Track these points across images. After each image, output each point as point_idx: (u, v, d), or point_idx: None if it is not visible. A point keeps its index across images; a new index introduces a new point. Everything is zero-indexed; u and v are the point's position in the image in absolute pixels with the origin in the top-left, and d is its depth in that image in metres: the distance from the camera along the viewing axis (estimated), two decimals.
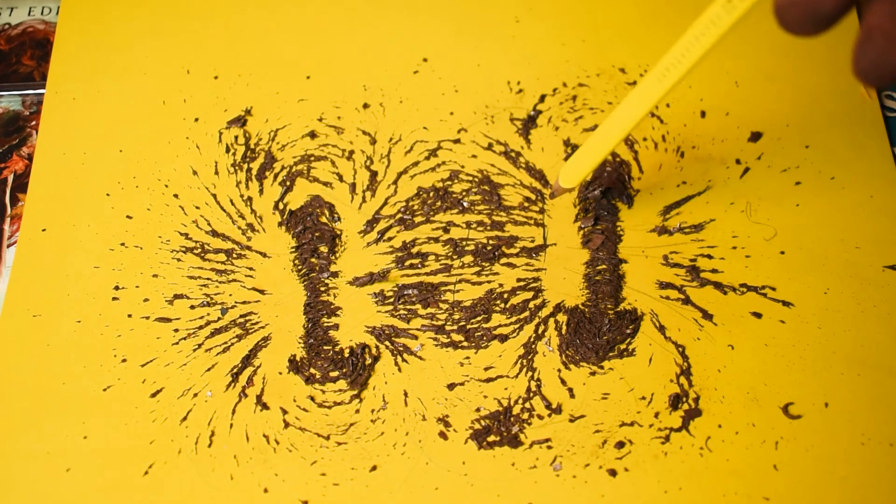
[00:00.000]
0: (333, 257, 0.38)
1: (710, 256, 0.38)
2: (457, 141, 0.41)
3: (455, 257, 0.38)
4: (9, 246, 0.40)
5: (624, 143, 0.41)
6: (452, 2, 0.44)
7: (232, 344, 0.37)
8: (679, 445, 0.34)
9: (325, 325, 0.37)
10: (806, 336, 0.36)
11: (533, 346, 0.36)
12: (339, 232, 0.39)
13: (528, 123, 0.41)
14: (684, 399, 0.35)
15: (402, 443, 0.35)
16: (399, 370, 0.36)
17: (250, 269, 0.38)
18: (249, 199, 0.40)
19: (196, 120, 0.41)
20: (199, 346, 0.36)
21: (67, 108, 0.42)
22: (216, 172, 0.40)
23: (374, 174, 0.40)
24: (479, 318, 0.37)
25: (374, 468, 0.34)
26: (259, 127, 0.41)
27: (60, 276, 0.38)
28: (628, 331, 0.36)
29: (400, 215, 0.39)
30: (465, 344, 0.37)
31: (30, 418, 0.35)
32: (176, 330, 0.37)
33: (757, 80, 0.42)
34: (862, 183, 0.39)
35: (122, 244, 0.39)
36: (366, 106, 0.42)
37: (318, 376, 0.36)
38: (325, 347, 0.37)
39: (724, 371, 0.36)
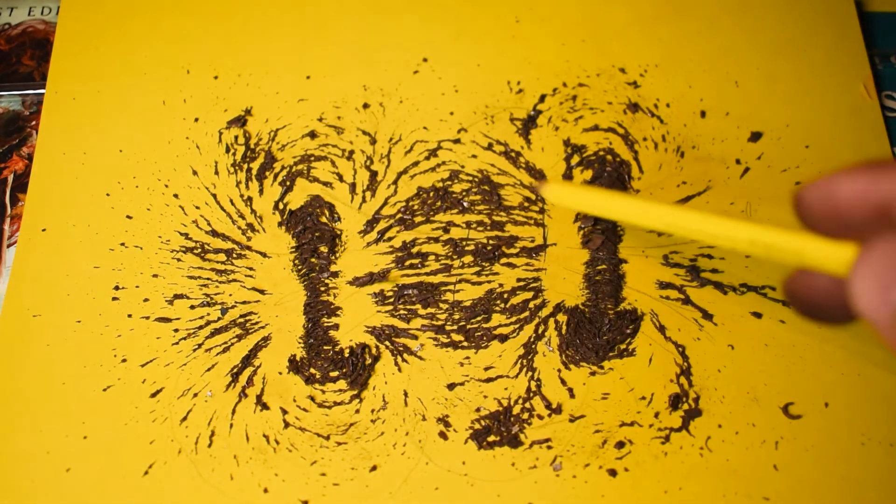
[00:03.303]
0: (333, 257, 0.38)
1: (710, 256, 0.38)
2: (457, 141, 0.41)
3: (455, 257, 0.38)
4: (9, 246, 0.40)
5: (624, 143, 0.41)
6: (452, 2, 0.44)
7: (232, 344, 0.37)
8: (679, 445, 0.34)
9: (325, 325, 0.37)
10: (806, 336, 0.36)
11: (533, 346, 0.36)
12: (339, 232, 0.39)
13: (528, 123, 0.41)
14: (684, 399, 0.35)
15: (402, 443, 0.35)
16: (399, 370, 0.36)
17: (250, 269, 0.38)
18: (249, 199, 0.40)
19: (196, 120, 0.41)
20: (199, 346, 0.36)
21: (67, 108, 0.42)
22: (216, 172, 0.40)
23: (374, 174, 0.40)
24: (479, 318, 0.37)
25: (374, 468, 0.34)
26: (259, 127, 0.41)
27: (60, 276, 0.38)
28: (628, 331, 0.36)
29: (400, 215, 0.39)
30: (465, 344, 0.37)
31: (30, 418, 0.35)
32: (176, 330, 0.37)
33: (757, 80, 0.42)
34: None
35: (122, 244, 0.39)
36: (366, 106, 0.42)
37: (318, 376, 0.36)
38: (325, 347, 0.37)
39: (724, 371, 0.36)
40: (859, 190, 0.20)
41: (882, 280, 0.18)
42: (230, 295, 0.38)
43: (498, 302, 0.37)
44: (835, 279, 0.21)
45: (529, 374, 0.36)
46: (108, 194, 0.40)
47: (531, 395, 0.35)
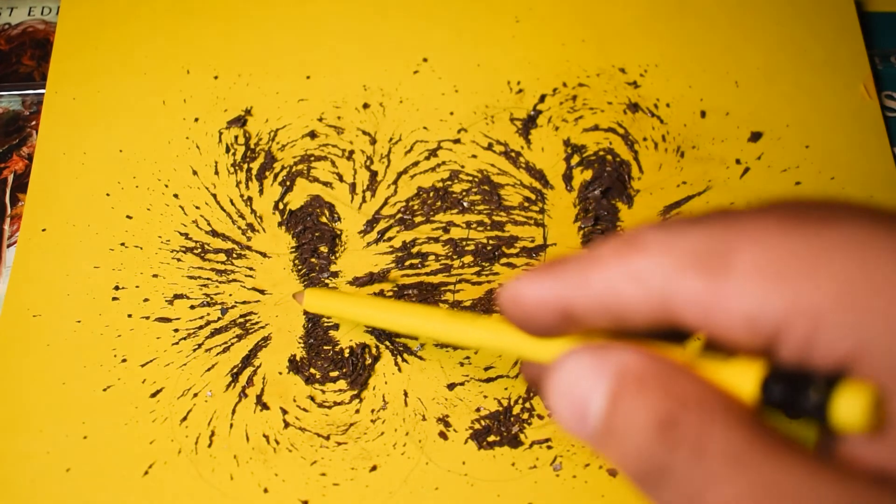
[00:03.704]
0: (333, 257, 0.38)
1: None
2: (457, 141, 0.41)
3: (455, 257, 0.38)
4: (9, 246, 0.40)
5: (624, 143, 0.41)
6: (452, 2, 0.44)
7: (232, 344, 0.37)
8: None
9: (325, 324, 0.37)
10: None
11: None
12: (339, 232, 0.39)
13: (528, 123, 0.41)
14: None
15: (402, 443, 0.35)
16: (399, 370, 0.36)
17: (250, 269, 0.38)
18: (249, 199, 0.40)
19: (196, 120, 0.41)
20: (199, 346, 0.36)
21: (67, 108, 0.42)
22: (216, 172, 0.40)
23: (374, 174, 0.40)
24: None
25: (374, 468, 0.34)
26: (259, 127, 0.41)
27: (60, 276, 0.38)
28: None
29: (400, 215, 0.39)
30: None
31: (30, 418, 0.35)
32: (176, 330, 0.37)
33: (757, 80, 0.42)
34: (862, 183, 0.39)
35: (122, 244, 0.39)
36: (366, 106, 0.42)
37: (318, 376, 0.36)
38: (325, 347, 0.36)
39: None
40: (540, 296, 0.19)
41: (572, 408, 0.18)
42: (230, 295, 0.38)
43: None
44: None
45: None
46: (108, 194, 0.40)
47: (531, 395, 0.35)
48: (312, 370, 0.36)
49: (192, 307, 0.37)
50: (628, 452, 0.17)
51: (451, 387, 0.36)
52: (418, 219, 0.39)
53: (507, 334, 0.23)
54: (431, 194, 0.40)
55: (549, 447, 0.34)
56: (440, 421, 0.35)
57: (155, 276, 0.38)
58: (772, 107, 0.41)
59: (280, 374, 0.36)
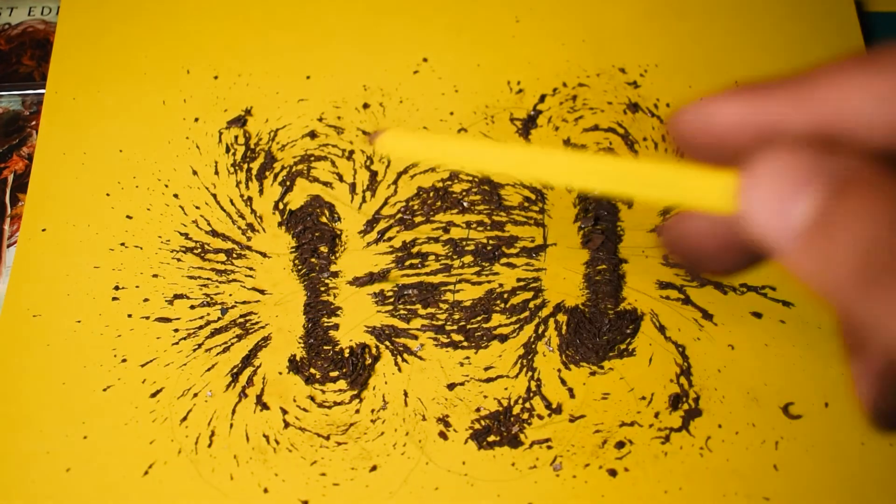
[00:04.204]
0: (333, 257, 0.38)
1: None
2: None
3: (455, 257, 0.38)
4: (9, 246, 0.40)
5: (624, 143, 0.41)
6: (452, 2, 0.44)
7: (232, 344, 0.37)
8: (679, 445, 0.34)
9: (325, 325, 0.37)
10: (806, 336, 0.36)
11: (533, 346, 0.36)
12: (339, 232, 0.39)
13: (528, 123, 0.41)
14: (684, 399, 0.35)
15: (402, 443, 0.35)
16: (399, 370, 0.36)
17: (250, 269, 0.38)
18: (249, 199, 0.40)
19: (196, 120, 0.41)
20: (199, 346, 0.36)
21: (67, 108, 0.42)
22: (216, 172, 0.40)
23: (374, 174, 0.40)
24: (479, 318, 0.37)
25: (374, 468, 0.34)
26: (259, 127, 0.41)
27: (60, 276, 0.38)
28: (628, 331, 0.36)
29: (400, 215, 0.39)
30: (465, 344, 0.37)
31: (30, 418, 0.35)
32: (176, 330, 0.37)
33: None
34: None
35: (122, 244, 0.39)
36: (366, 106, 0.42)
37: (318, 376, 0.36)
38: (325, 347, 0.37)
39: (724, 371, 0.36)
40: (740, 115, 0.18)
41: (778, 193, 0.16)
42: (230, 295, 0.38)
43: (498, 302, 0.37)
44: (714, 219, 0.19)
45: (529, 374, 0.36)
46: (108, 194, 0.40)
47: (531, 395, 0.35)
48: (312, 370, 0.36)
49: (192, 307, 0.37)
50: (848, 251, 0.15)
51: (451, 387, 0.36)
52: (418, 219, 0.39)
53: (665, 170, 0.18)
54: (431, 194, 0.40)
55: (549, 447, 0.34)
56: (440, 421, 0.35)
57: (155, 276, 0.38)
58: None
59: (280, 374, 0.36)
